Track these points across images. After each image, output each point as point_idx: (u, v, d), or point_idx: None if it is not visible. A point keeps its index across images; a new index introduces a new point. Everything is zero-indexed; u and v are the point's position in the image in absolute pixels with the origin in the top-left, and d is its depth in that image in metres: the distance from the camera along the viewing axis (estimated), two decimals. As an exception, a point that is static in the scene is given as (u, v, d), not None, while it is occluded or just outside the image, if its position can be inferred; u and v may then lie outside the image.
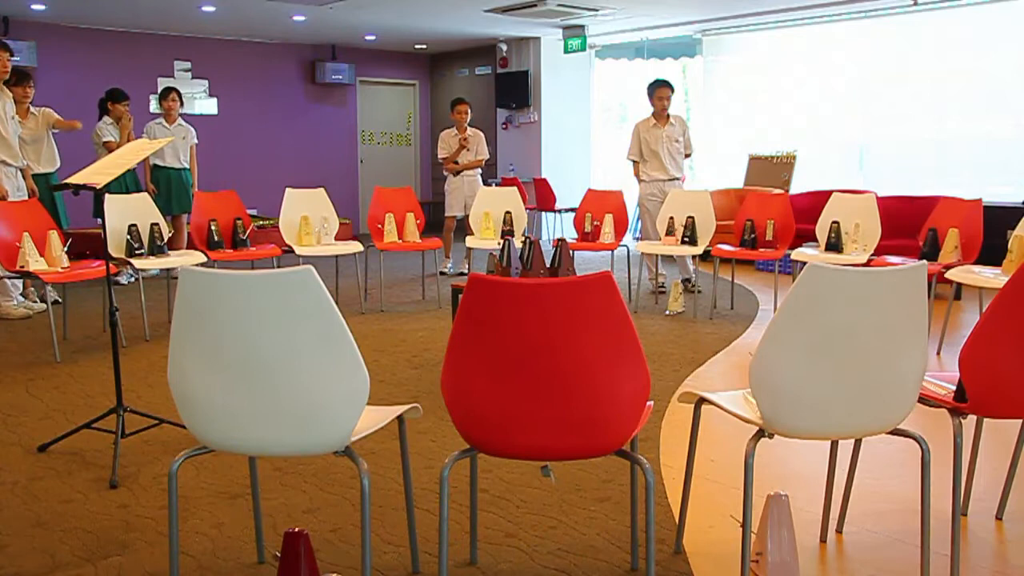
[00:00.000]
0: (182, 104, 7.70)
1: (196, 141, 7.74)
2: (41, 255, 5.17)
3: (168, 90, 7.67)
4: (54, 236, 5.26)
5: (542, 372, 1.95)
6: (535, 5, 9.05)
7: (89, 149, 7.28)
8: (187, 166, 7.66)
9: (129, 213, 5.57)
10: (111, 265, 3.90)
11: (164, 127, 7.54)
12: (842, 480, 2.68)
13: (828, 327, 2.01)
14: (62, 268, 5.21)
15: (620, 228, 6.85)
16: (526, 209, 7.13)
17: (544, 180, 10.81)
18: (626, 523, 2.71)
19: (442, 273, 7.77)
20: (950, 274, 5.06)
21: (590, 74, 11.91)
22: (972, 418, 2.48)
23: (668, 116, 7.09)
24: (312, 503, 2.91)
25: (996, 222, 6.08)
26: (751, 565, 2.21)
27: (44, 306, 6.33)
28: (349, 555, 2.52)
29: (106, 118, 7.34)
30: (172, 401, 2.05)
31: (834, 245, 5.95)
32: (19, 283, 6.17)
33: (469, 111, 8.06)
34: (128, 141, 7.17)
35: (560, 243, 4.22)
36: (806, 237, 7.17)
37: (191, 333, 1.98)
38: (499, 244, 4.77)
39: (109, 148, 7.12)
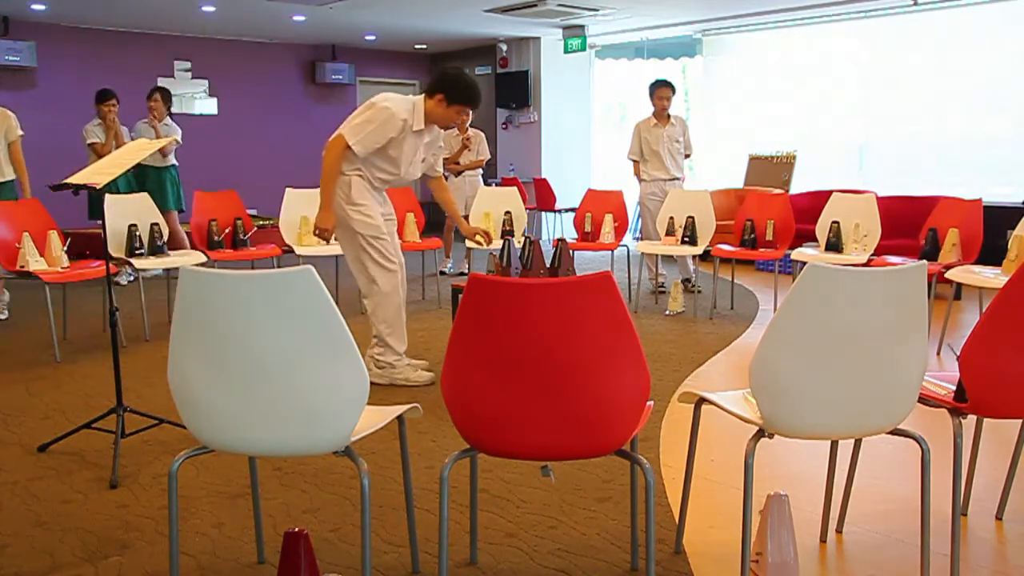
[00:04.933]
0: (168, 104, 7.61)
1: (179, 140, 7.65)
2: (41, 255, 5.17)
3: (152, 90, 7.63)
4: (54, 236, 5.26)
5: (542, 372, 1.95)
6: (535, 5, 9.05)
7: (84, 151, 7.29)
8: (167, 164, 7.55)
9: (129, 213, 5.58)
10: (111, 265, 3.90)
11: (148, 126, 7.49)
12: (842, 480, 2.68)
13: (828, 327, 2.01)
14: (62, 268, 5.21)
15: (620, 228, 6.86)
16: (526, 209, 7.12)
17: (544, 180, 10.81)
18: (626, 523, 2.71)
19: (442, 273, 7.77)
20: (950, 274, 5.06)
21: (590, 74, 11.91)
22: (972, 418, 2.48)
23: (669, 116, 7.09)
24: (312, 503, 2.91)
25: (996, 222, 6.09)
26: (751, 565, 2.21)
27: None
28: (349, 555, 2.53)
29: (94, 119, 7.32)
30: (172, 401, 2.05)
31: (834, 245, 5.95)
32: None
33: (471, 112, 8.04)
34: (115, 141, 7.15)
35: (560, 243, 4.23)
36: (806, 237, 7.17)
37: (191, 333, 1.98)
38: (499, 244, 4.77)
39: (94, 149, 7.12)
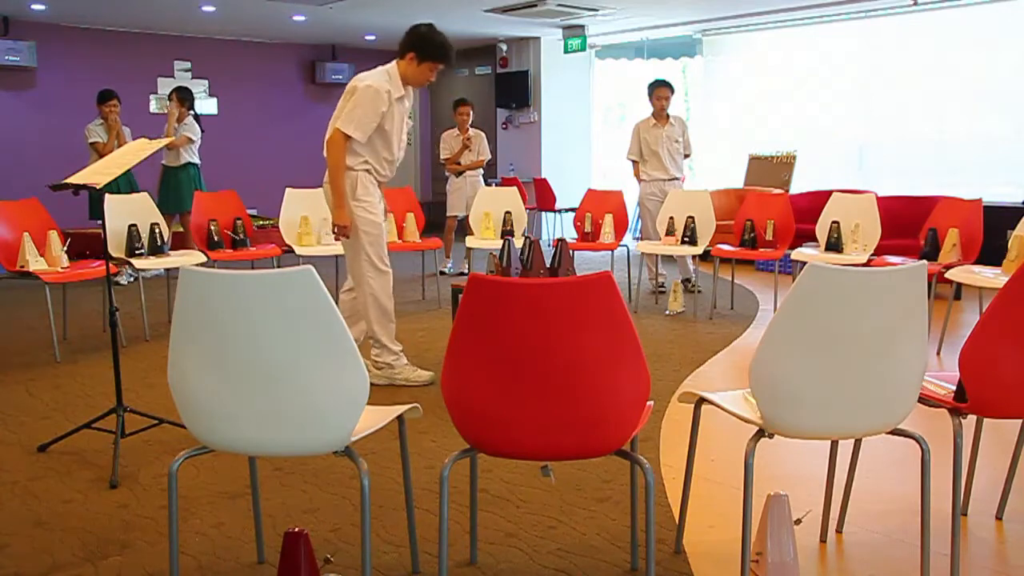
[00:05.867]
0: (186, 104, 7.72)
1: (192, 137, 7.76)
2: (41, 255, 5.17)
3: (171, 91, 7.79)
4: (54, 236, 5.26)
5: (542, 372, 1.95)
6: (535, 5, 9.04)
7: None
8: (182, 162, 7.70)
9: (129, 213, 5.58)
10: (111, 265, 3.90)
11: (174, 127, 7.67)
12: (842, 480, 2.68)
13: (828, 327, 2.01)
14: (62, 268, 5.21)
15: (620, 228, 6.85)
16: (526, 209, 7.12)
17: (544, 180, 10.81)
18: (626, 523, 2.71)
19: (442, 273, 7.77)
20: (950, 274, 5.06)
21: (590, 74, 11.90)
22: (972, 418, 2.48)
23: (668, 116, 7.09)
24: (312, 503, 2.91)
25: (996, 222, 6.08)
26: (751, 565, 2.21)
27: None
28: (349, 555, 2.53)
29: (97, 119, 7.42)
30: (172, 401, 2.05)
31: (834, 245, 5.95)
32: None
33: (471, 112, 8.07)
34: (117, 141, 7.22)
35: (560, 243, 4.22)
36: (806, 237, 7.17)
37: (191, 333, 1.98)
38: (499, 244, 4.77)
39: (96, 149, 7.21)
